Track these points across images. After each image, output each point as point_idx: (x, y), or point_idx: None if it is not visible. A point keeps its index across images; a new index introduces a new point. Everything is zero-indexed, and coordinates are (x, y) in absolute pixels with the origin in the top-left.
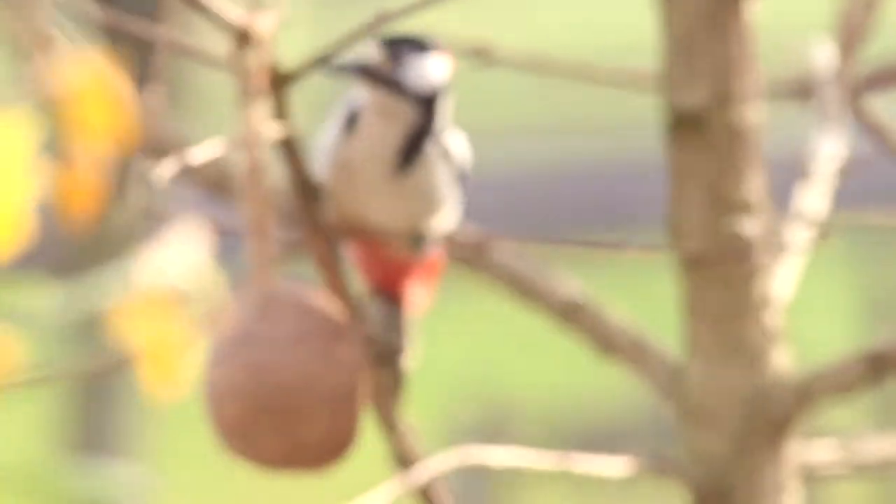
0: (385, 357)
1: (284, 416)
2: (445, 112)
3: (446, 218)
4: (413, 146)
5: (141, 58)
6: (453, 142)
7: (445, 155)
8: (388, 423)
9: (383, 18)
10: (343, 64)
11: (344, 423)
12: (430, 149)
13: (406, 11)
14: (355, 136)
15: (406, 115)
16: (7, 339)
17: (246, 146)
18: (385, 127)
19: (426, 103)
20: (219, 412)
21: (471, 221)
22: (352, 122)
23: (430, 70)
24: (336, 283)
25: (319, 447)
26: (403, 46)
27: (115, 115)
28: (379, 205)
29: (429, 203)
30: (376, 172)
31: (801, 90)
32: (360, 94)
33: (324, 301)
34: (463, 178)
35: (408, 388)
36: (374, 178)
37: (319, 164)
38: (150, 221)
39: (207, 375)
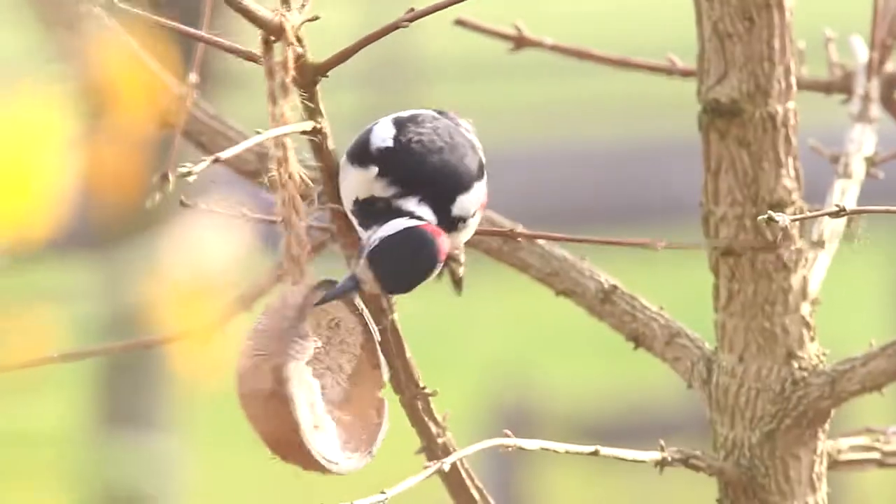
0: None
1: (243, 406)
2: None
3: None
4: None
5: (181, 38)
6: (462, 204)
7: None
8: (418, 413)
9: (412, 16)
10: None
11: (273, 422)
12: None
13: (437, 8)
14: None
15: None
16: (44, 318)
17: (277, 140)
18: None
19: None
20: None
21: (505, 202)
22: (366, 205)
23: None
24: None
25: (272, 444)
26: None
27: (153, 96)
28: None
29: (457, 246)
30: None
31: (837, 83)
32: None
33: (298, 300)
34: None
35: (441, 374)
36: None
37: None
38: (187, 203)
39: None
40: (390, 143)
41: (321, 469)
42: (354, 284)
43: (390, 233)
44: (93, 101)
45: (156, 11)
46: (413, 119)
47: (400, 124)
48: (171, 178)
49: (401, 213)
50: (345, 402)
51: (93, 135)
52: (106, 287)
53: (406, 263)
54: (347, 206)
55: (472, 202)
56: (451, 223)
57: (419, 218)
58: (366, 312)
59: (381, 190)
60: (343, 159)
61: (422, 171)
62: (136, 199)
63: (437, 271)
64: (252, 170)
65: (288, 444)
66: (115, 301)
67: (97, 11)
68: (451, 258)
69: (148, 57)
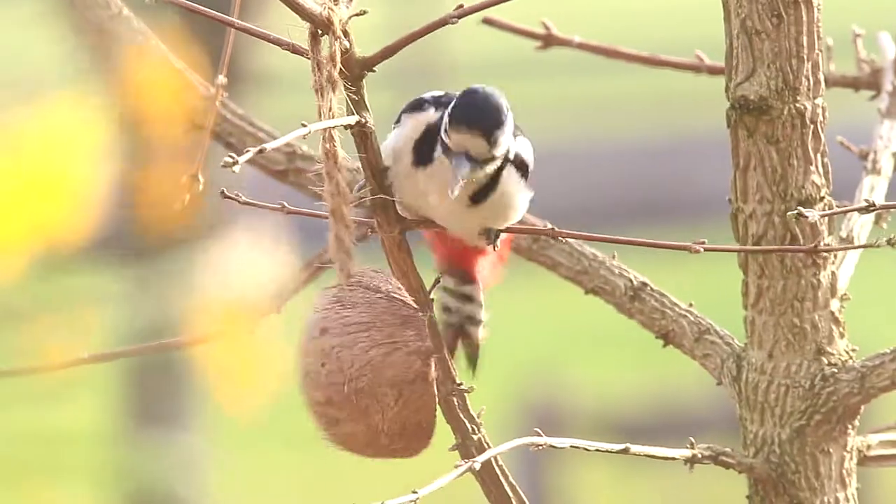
0: (460, 329)
1: (355, 401)
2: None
3: (518, 215)
4: (490, 183)
5: (209, 40)
6: (521, 146)
7: (518, 165)
8: (454, 410)
9: (461, 12)
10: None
11: (414, 407)
12: (506, 177)
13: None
14: (428, 171)
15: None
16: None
17: (323, 135)
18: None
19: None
20: (307, 400)
21: (535, 199)
22: (423, 148)
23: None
24: (406, 270)
25: (395, 433)
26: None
27: (183, 99)
28: (451, 221)
29: (503, 215)
30: (449, 203)
31: (865, 79)
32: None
33: (396, 287)
34: (529, 176)
35: (480, 361)
36: (448, 205)
37: (391, 171)
38: (229, 195)
39: (298, 363)
40: (441, 93)
41: (421, 452)
42: (467, 156)
43: (455, 102)
44: (124, 105)
45: (191, 8)
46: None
47: (443, 94)
48: (200, 178)
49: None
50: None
51: (125, 139)
52: (142, 296)
53: (481, 103)
54: (406, 159)
55: (528, 150)
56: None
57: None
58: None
59: (438, 122)
60: (397, 121)
61: (468, 106)
62: (169, 204)
63: (509, 114)
64: (282, 169)
65: (419, 428)
66: (151, 310)
67: (126, 13)
68: (471, 322)
69: (178, 60)
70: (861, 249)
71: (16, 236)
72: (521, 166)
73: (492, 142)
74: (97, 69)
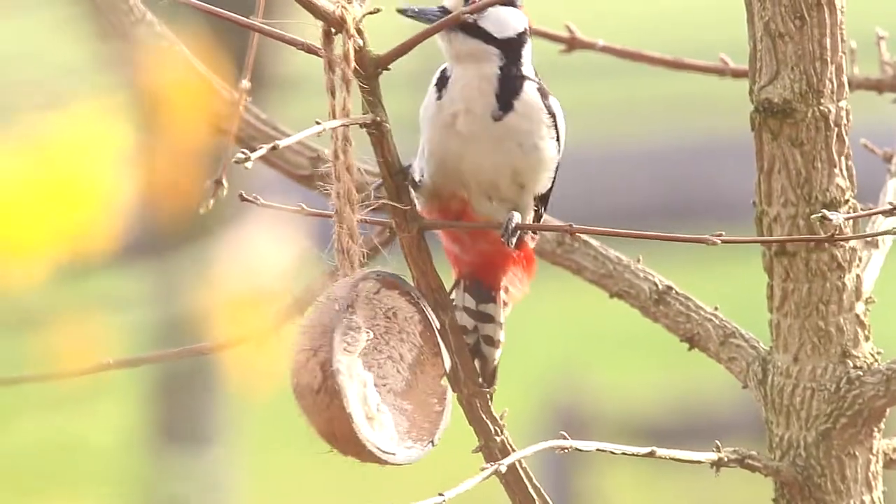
0: (476, 349)
1: (297, 400)
2: (529, 57)
3: (545, 182)
4: (510, 87)
5: (233, 45)
6: (554, 104)
7: (544, 96)
8: (476, 412)
9: (473, 7)
10: (426, 10)
11: (326, 415)
12: (528, 89)
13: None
14: (448, 90)
15: (494, 57)
16: (101, 326)
17: (333, 136)
18: (477, 74)
19: (511, 47)
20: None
21: (558, 203)
22: (442, 82)
23: (510, 17)
24: (425, 270)
25: (327, 436)
26: None
27: (206, 102)
28: (480, 154)
29: (530, 147)
30: (476, 118)
31: (888, 82)
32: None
33: (344, 294)
34: (560, 141)
35: (498, 377)
36: (475, 123)
37: (422, 133)
38: (247, 197)
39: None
40: None
41: (377, 460)
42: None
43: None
44: (147, 109)
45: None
46: None
47: None
48: (224, 183)
49: None
50: (406, 391)
51: (148, 144)
52: (162, 295)
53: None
54: (431, 98)
55: (559, 109)
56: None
57: None
58: (423, 301)
59: None
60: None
61: None
62: (192, 206)
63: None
64: (306, 174)
65: (342, 436)
66: (171, 308)
67: (150, 18)
68: (487, 343)
69: (200, 63)
70: (885, 253)
71: (39, 242)
72: (544, 94)
73: None
74: (121, 73)
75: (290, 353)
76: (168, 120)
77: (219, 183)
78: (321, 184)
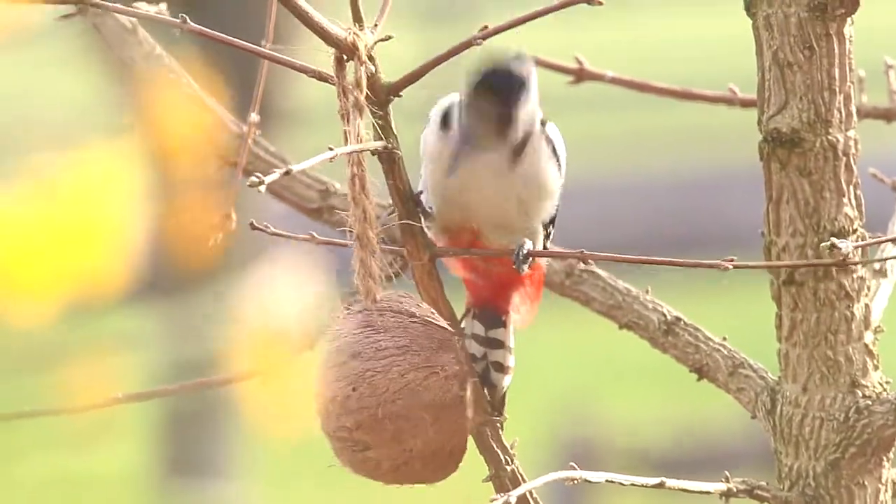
0: (484, 376)
1: (389, 425)
2: (534, 102)
3: (551, 209)
4: (520, 146)
5: (241, 78)
6: (552, 131)
7: (548, 140)
8: (487, 441)
9: (485, 34)
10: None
11: (449, 431)
12: (535, 139)
13: (509, 26)
14: (458, 162)
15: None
16: (115, 365)
17: (349, 161)
18: (493, 157)
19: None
20: (331, 426)
21: (566, 234)
22: (447, 119)
23: (534, 107)
24: (436, 298)
25: (428, 457)
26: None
27: (214, 137)
28: (486, 198)
29: (534, 182)
30: (484, 176)
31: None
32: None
33: (428, 311)
34: (561, 168)
35: (507, 406)
36: (482, 179)
37: (425, 169)
38: (258, 226)
39: (319, 389)
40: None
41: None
42: (471, 136)
43: (476, 74)
44: (157, 146)
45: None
46: None
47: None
48: (233, 216)
49: None
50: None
51: (159, 181)
52: (178, 334)
53: (502, 71)
54: (435, 132)
55: (560, 140)
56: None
57: None
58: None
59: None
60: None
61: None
62: (205, 243)
63: (531, 81)
64: (315, 208)
65: (451, 451)
66: (186, 348)
67: (158, 52)
68: (496, 369)
69: (209, 97)
70: (894, 282)
71: (52, 281)
72: (548, 141)
73: (510, 105)
74: (129, 109)
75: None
76: (176, 153)
77: (228, 217)
78: (329, 218)
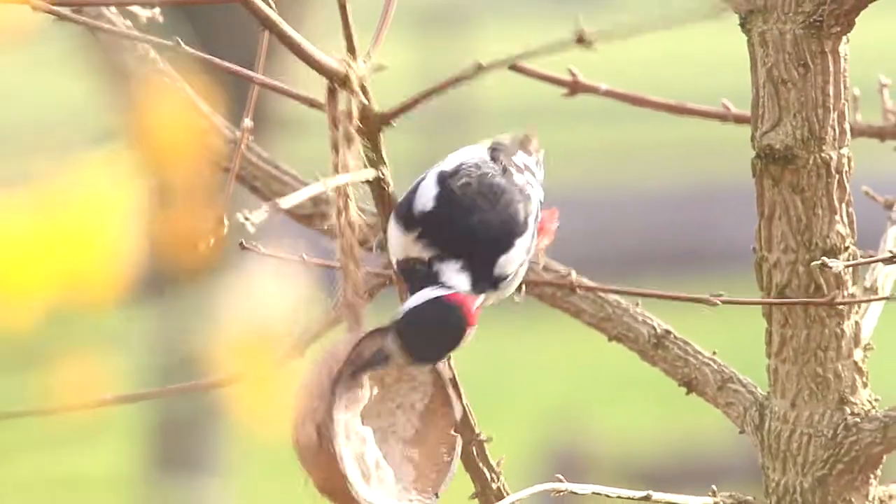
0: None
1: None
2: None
3: (523, 269)
4: None
5: (235, 83)
6: (505, 263)
7: (500, 278)
8: (473, 458)
9: (481, 69)
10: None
11: (322, 474)
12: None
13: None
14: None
15: None
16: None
17: (338, 188)
18: None
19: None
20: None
21: (561, 246)
22: (405, 266)
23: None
24: None
25: (325, 494)
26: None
27: (207, 142)
28: None
29: (503, 297)
30: None
31: (890, 129)
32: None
33: (343, 352)
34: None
35: (494, 418)
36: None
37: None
38: (247, 246)
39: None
40: (431, 206)
41: None
42: (384, 358)
43: (416, 304)
44: (149, 149)
45: (213, 57)
46: (456, 173)
47: (442, 181)
48: (225, 222)
49: (435, 279)
50: (416, 439)
51: (151, 184)
52: (164, 336)
53: (433, 335)
54: (394, 263)
55: (512, 261)
56: (492, 282)
57: (448, 287)
58: None
59: (422, 251)
60: (391, 217)
61: (461, 234)
62: (195, 247)
63: (466, 339)
64: (307, 214)
65: (339, 493)
66: (174, 350)
67: (152, 56)
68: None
69: (202, 102)
70: (884, 301)
71: (42, 282)
72: (500, 280)
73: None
74: (122, 110)
75: (291, 407)
76: (170, 159)
77: (220, 222)
78: (321, 224)
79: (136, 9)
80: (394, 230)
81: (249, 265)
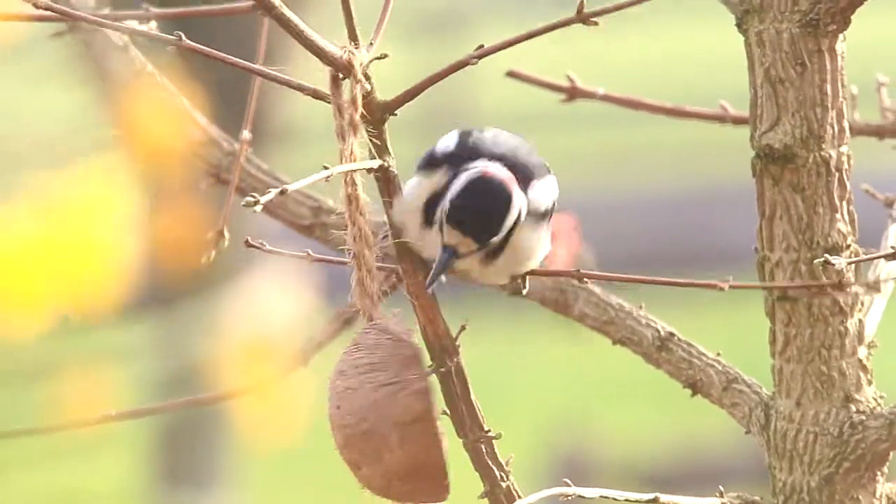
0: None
1: (365, 443)
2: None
3: (540, 256)
4: (495, 249)
5: (233, 96)
6: (538, 193)
7: (532, 213)
8: (482, 457)
9: (480, 53)
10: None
11: (416, 448)
12: (513, 235)
13: (503, 46)
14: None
15: None
16: (106, 378)
17: (344, 181)
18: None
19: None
20: (337, 444)
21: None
22: (431, 206)
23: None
24: (432, 316)
25: (404, 476)
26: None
27: (206, 154)
28: (475, 275)
29: (522, 264)
30: (465, 264)
31: (889, 127)
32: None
33: (404, 327)
34: (549, 216)
35: (501, 421)
36: (465, 266)
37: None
38: (253, 244)
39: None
40: (453, 146)
41: (440, 497)
42: (449, 253)
43: (459, 187)
44: (147, 162)
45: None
46: (477, 129)
47: (463, 132)
48: (226, 234)
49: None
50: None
51: (150, 196)
52: (168, 346)
53: (484, 204)
54: (416, 220)
55: (544, 194)
56: (529, 210)
57: (484, 168)
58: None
59: (448, 177)
60: (410, 180)
61: (488, 154)
62: (196, 258)
63: (516, 207)
64: (307, 225)
65: (431, 465)
66: (177, 360)
67: (150, 69)
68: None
69: (200, 115)
70: (887, 297)
71: (44, 295)
72: (534, 214)
73: (485, 244)
74: (118, 122)
75: (336, 398)
76: (167, 171)
77: (220, 234)
78: (321, 235)
79: (132, 22)
80: (414, 184)
81: (252, 276)
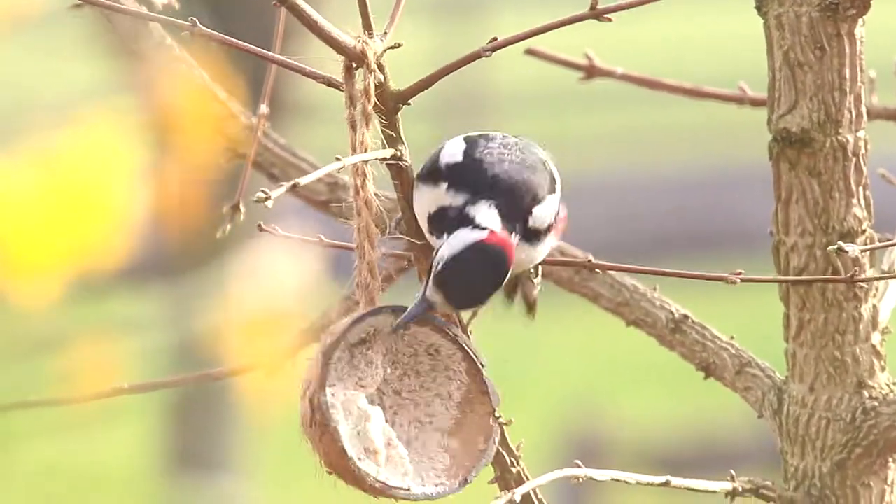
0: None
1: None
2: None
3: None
4: None
5: (252, 70)
6: (540, 215)
7: (533, 233)
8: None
9: (494, 45)
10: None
11: (321, 450)
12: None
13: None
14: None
15: None
16: (114, 349)
17: (353, 172)
18: None
19: None
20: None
21: (577, 231)
22: (435, 219)
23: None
24: None
25: (328, 468)
26: None
27: (221, 126)
28: None
29: (532, 260)
30: None
31: None
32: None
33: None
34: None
35: (514, 404)
36: None
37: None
38: (265, 228)
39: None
40: (459, 158)
41: (382, 493)
42: (425, 306)
43: (455, 252)
44: (161, 131)
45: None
46: (484, 136)
47: (470, 141)
48: (242, 208)
49: (468, 221)
50: (455, 429)
51: (161, 165)
52: (175, 316)
53: (474, 279)
54: (423, 224)
55: (547, 214)
56: (529, 234)
57: (482, 228)
58: (463, 337)
59: (454, 198)
60: (416, 182)
61: (492, 179)
62: (204, 227)
63: (506, 279)
64: (324, 200)
65: (338, 468)
66: (185, 330)
67: (169, 42)
68: (527, 278)
69: (218, 87)
70: None
71: (52, 261)
72: (535, 233)
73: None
74: (136, 94)
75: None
76: (182, 142)
77: (236, 208)
78: (337, 210)
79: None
80: (421, 190)
81: (260, 247)
